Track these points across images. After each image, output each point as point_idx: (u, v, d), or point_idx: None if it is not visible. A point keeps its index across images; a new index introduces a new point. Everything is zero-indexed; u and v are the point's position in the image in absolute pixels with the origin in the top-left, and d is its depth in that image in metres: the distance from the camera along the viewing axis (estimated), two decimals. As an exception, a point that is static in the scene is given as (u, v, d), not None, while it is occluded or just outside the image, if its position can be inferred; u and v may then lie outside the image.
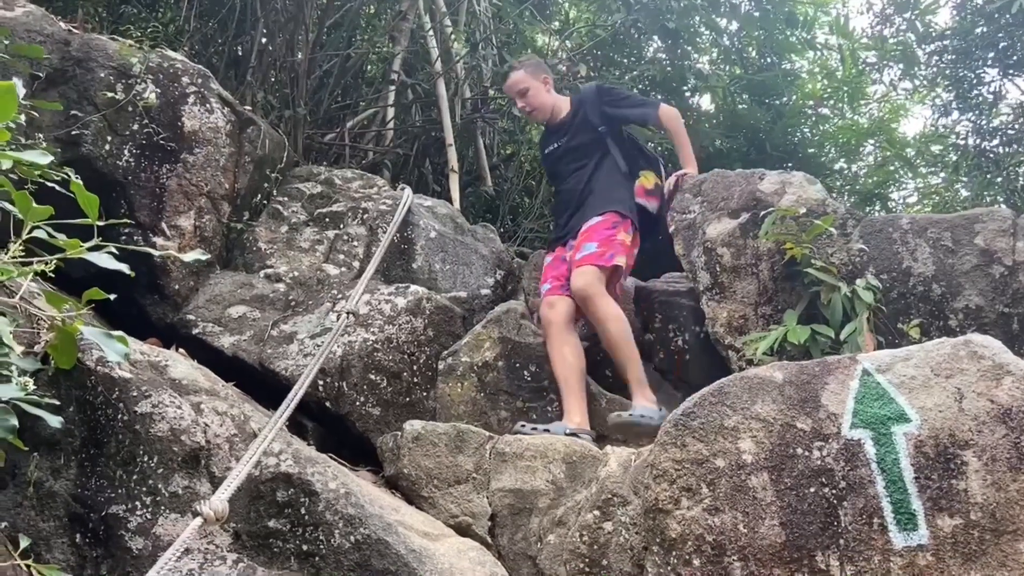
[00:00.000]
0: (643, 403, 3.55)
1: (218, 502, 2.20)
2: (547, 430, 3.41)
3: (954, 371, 2.33)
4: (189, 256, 2.24)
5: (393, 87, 6.51)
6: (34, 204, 1.71)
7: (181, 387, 2.92)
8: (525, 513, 3.15)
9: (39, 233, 1.83)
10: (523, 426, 3.45)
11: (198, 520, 2.11)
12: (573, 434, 3.38)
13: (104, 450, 2.64)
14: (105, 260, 1.80)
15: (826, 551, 2.24)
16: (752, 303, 3.79)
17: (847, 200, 8.98)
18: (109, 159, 3.73)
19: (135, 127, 3.81)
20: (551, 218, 7.87)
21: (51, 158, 1.79)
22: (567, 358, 3.69)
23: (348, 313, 3.53)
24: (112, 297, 1.81)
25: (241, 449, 2.84)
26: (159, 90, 3.89)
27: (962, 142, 8.68)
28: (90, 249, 1.80)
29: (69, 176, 1.92)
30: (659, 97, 8.89)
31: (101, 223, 1.84)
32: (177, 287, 3.89)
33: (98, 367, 2.71)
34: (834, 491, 2.29)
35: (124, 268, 1.87)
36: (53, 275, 2.22)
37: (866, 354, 2.52)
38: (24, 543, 2.23)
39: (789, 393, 2.46)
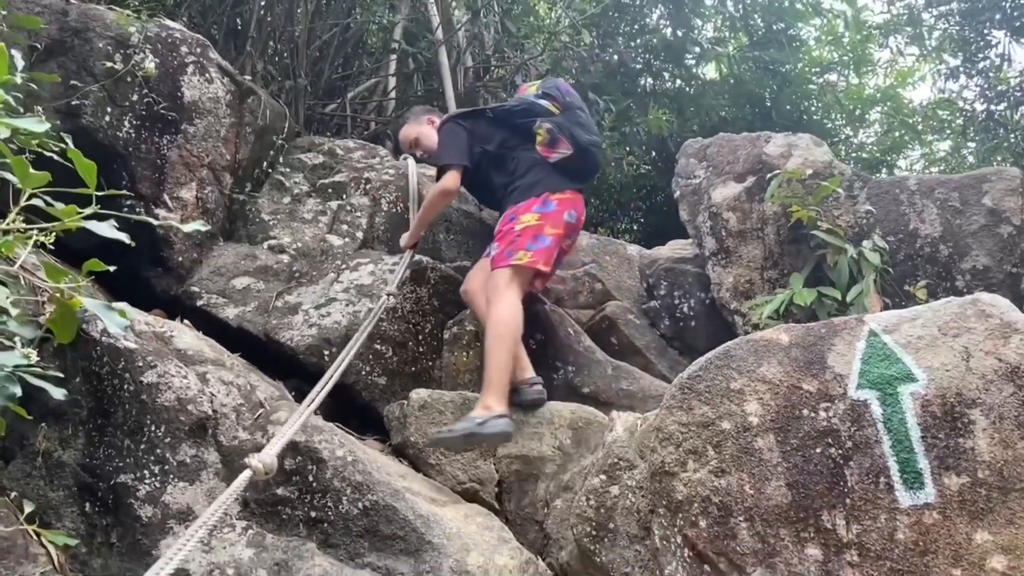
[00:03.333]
0: (479, 412, 3.11)
1: (268, 456, 2.22)
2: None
3: (961, 330, 2.31)
4: (189, 227, 2.21)
5: (394, 56, 6.45)
6: (31, 170, 1.68)
7: (187, 357, 2.93)
8: (532, 479, 3.16)
9: (37, 202, 1.80)
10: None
11: (247, 472, 2.13)
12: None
13: (111, 420, 2.66)
14: (105, 229, 1.77)
15: (832, 510, 2.24)
16: (758, 267, 3.77)
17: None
18: (110, 130, 3.71)
19: (135, 98, 3.78)
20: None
21: (48, 126, 1.76)
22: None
23: (388, 295, 3.64)
24: (112, 269, 1.79)
25: (248, 418, 2.86)
26: (158, 60, 3.85)
27: (969, 107, 8.61)
28: (88, 218, 1.77)
29: (67, 144, 1.89)
30: (664, 67, 8.83)
31: (100, 193, 1.82)
32: (180, 259, 3.88)
33: (103, 338, 2.72)
34: (840, 451, 2.28)
35: (124, 237, 1.85)
36: (53, 247, 2.21)
37: (873, 315, 2.50)
38: (28, 508, 2.24)
39: (795, 355, 2.45)
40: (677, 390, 2.55)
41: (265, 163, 4.52)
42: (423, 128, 4.26)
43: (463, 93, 6.60)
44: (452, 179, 3.72)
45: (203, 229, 2.18)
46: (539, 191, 3.58)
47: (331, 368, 3.07)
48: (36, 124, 1.68)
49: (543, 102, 3.79)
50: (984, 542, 2.10)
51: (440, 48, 6.29)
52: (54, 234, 1.82)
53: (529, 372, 3.47)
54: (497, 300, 3.38)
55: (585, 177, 3.80)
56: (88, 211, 1.77)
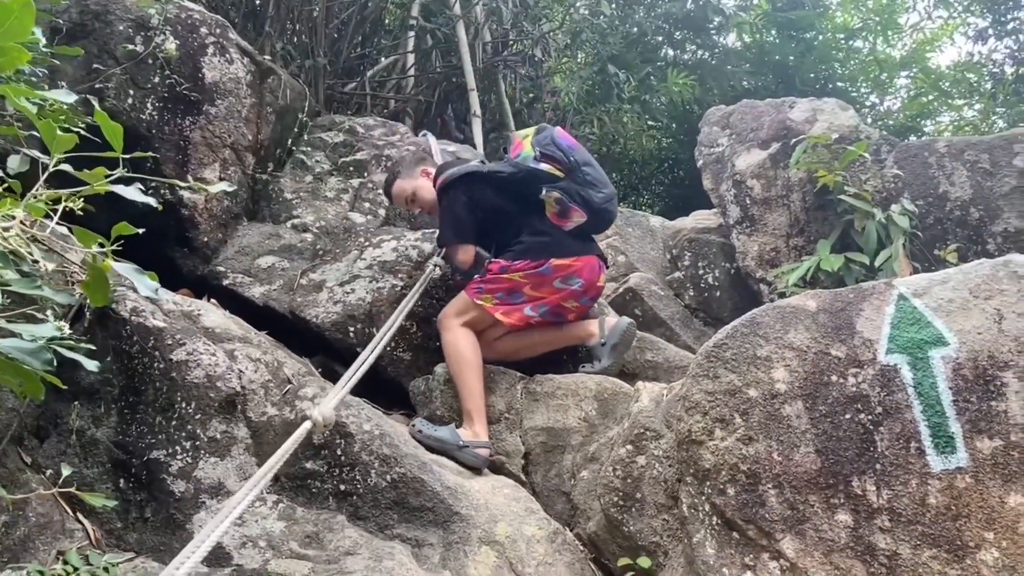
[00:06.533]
0: (462, 431, 3.18)
1: (327, 408, 2.28)
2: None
3: (993, 292, 2.27)
4: (216, 187, 2.23)
5: (412, 33, 6.42)
6: (59, 132, 1.68)
7: (214, 335, 2.96)
8: (558, 450, 3.16)
9: (65, 167, 1.81)
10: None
11: (308, 424, 2.20)
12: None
13: (143, 398, 2.69)
14: (132, 192, 1.77)
15: (862, 476, 2.22)
16: (784, 235, 3.72)
17: (879, 134, 8.75)
18: (133, 112, 3.73)
19: (156, 80, 3.80)
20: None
21: (76, 97, 1.77)
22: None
23: (436, 266, 3.65)
24: (140, 231, 1.79)
25: (276, 394, 2.88)
26: (178, 41, 3.87)
27: (999, 69, 8.42)
28: (115, 182, 1.77)
29: (94, 104, 1.90)
30: (686, 36, 8.72)
31: (126, 155, 1.82)
32: (206, 239, 3.91)
33: (132, 317, 2.75)
34: (870, 417, 2.26)
35: (152, 201, 1.85)
36: (72, 230, 2.23)
37: (902, 279, 2.47)
38: (66, 471, 2.28)
39: (823, 321, 2.42)
40: (703, 358, 2.54)
41: (286, 143, 4.54)
42: (419, 181, 3.82)
43: (481, 68, 6.56)
44: (467, 254, 3.53)
45: (229, 189, 2.19)
46: (542, 255, 3.41)
47: (379, 334, 3.12)
48: (64, 95, 1.68)
49: (543, 167, 3.46)
50: (1017, 505, 2.07)
51: (458, 23, 6.26)
52: (82, 199, 1.82)
53: (594, 325, 3.51)
54: (444, 331, 3.41)
55: (598, 232, 3.65)
56: (116, 174, 1.78)
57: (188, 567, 1.48)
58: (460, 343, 3.34)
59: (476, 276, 3.51)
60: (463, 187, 3.52)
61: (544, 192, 3.42)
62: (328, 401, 2.37)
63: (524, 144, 3.58)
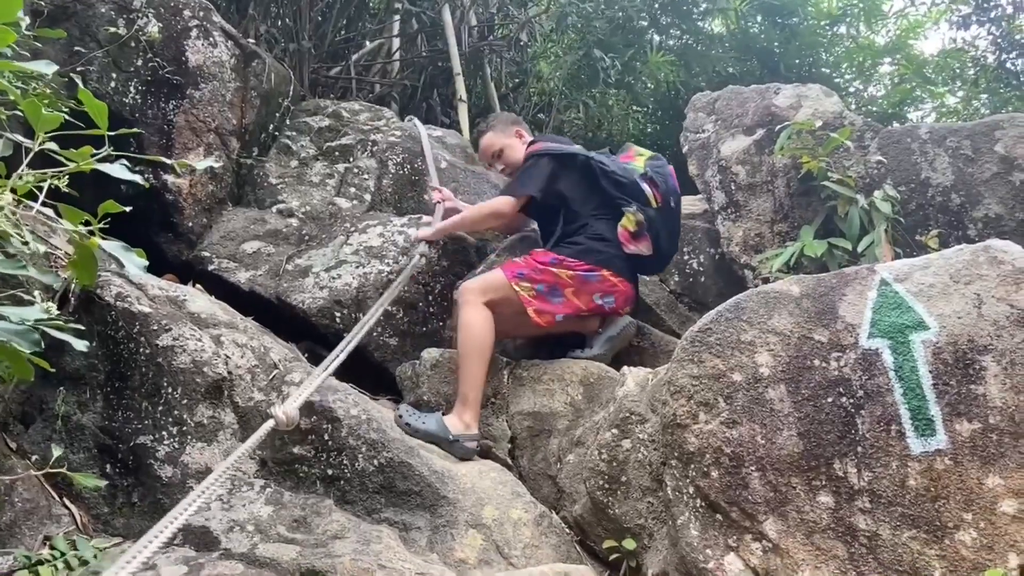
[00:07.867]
0: (451, 420, 3.12)
1: (291, 408, 2.31)
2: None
3: (973, 277, 2.31)
4: (201, 164, 2.22)
5: (397, 17, 6.39)
6: (44, 111, 1.67)
7: (200, 321, 2.95)
8: (544, 435, 3.19)
9: (50, 145, 1.79)
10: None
11: (270, 422, 2.22)
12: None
13: (129, 383, 2.69)
14: (117, 170, 1.76)
15: (844, 459, 2.26)
16: (768, 221, 3.74)
17: (863, 121, 8.78)
18: (115, 96, 3.71)
19: (139, 63, 3.77)
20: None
21: (56, 67, 1.75)
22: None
23: (421, 255, 3.69)
24: (128, 209, 1.78)
25: (263, 379, 2.89)
26: (161, 24, 3.83)
27: (981, 56, 8.46)
28: (101, 160, 1.76)
29: (77, 84, 1.88)
30: (671, 22, 8.71)
31: (111, 133, 1.81)
32: (191, 224, 3.89)
33: (118, 302, 2.75)
34: (851, 400, 2.30)
35: (138, 179, 1.84)
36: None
37: (884, 264, 2.50)
38: (57, 452, 2.28)
39: (806, 306, 2.45)
40: (688, 343, 2.56)
41: (271, 127, 4.51)
42: (510, 140, 3.87)
43: (467, 53, 6.54)
44: (508, 204, 3.55)
45: (216, 165, 2.18)
46: (597, 262, 3.38)
47: (360, 323, 3.11)
48: (44, 67, 1.67)
49: (646, 187, 3.48)
50: (995, 487, 2.11)
51: (444, 7, 6.23)
52: (67, 179, 1.81)
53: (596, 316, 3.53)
54: (464, 305, 3.30)
55: (643, 272, 3.70)
56: (102, 152, 1.76)
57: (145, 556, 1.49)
58: (479, 325, 3.25)
59: (518, 259, 3.48)
60: (556, 161, 3.55)
61: (634, 208, 3.41)
62: (293, 400, 2.37)
63: (637, 160, 3.62)
